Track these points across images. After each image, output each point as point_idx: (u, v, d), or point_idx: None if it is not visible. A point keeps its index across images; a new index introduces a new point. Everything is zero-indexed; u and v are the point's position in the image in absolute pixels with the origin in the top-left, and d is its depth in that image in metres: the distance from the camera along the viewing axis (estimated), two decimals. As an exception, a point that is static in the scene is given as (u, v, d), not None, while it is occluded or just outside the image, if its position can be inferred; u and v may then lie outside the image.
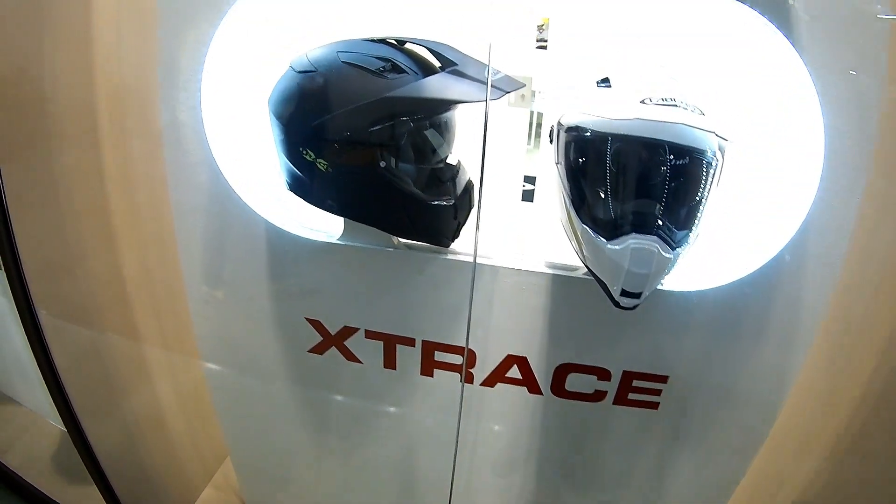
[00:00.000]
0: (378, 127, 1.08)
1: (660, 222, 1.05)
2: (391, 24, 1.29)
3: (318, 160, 1.11)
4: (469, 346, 1.37)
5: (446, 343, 1.38)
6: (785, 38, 1.10)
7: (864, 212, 1.17)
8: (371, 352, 1.43)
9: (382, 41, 1.16)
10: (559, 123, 1.15)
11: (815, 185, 1.15)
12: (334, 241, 1.31)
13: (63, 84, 1.47)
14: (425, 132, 1.15)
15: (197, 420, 2.11)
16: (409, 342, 1.40)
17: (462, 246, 1.29)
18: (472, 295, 1.27)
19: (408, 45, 1.17)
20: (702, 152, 1.03)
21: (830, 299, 1.25)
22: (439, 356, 1.41)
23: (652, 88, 1.05)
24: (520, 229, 1.43)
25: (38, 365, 1.52)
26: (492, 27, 1.23)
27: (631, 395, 1.37)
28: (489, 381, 1.42)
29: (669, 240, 1.04)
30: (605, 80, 1.13)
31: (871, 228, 1.22)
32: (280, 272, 1.41)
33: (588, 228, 1.09)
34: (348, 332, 1.41)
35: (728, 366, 1.32)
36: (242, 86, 1.32)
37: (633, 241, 1.04)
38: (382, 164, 1.11)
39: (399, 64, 1.10)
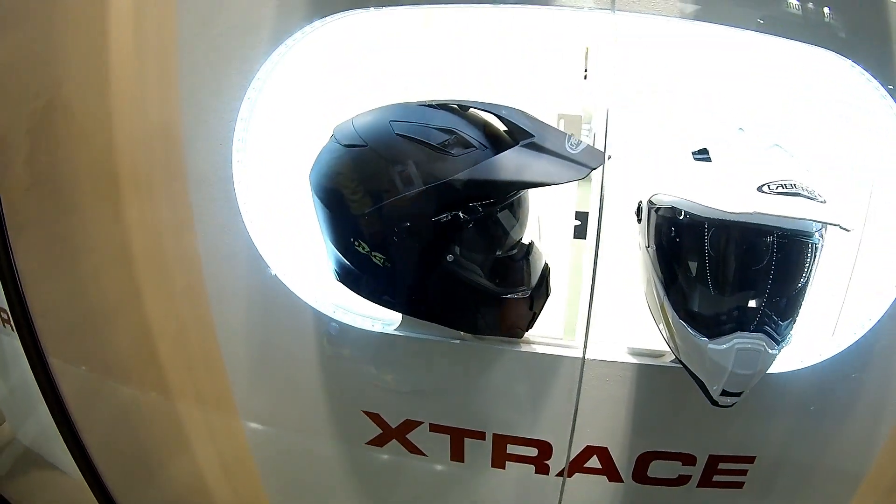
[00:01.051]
0: (445, 215, 0.91)
1: (766, 318, 0.92)
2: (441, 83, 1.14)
3: (374, 253, 0.95)
4: (543, 438, 1.22)
5: (522, 437, 1.22)
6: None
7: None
8: (437, 445, 1.27)
9: (442, 106, 0.99)
10: (651, 203, 0.99)
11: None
12: (391, 331, 1.15)
13: (80, 131, 1.33)
14: (497, 215, 0.98)
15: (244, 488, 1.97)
16: (479, 435, 1.23)
17: (535, 332, 1.13)
18: (578, 393, 1.11)
19: (472, 111, 1.00)
20: (808, 235, 0.91)
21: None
22: (512, 449, 1.24)
23: (766, 168, 0.86)
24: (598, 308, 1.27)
25: (64, 440, 1.40)
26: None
27: (716, 478, 1.23)
28: (567, 472, 1.26)
29: (775, 335, 0.92)
30: (704, 153, 0.95)
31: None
32: (332, 363, 1.25)
33: (685, 325, 0.95)
34: (411, 425, 1.24)
35: (815, 443, 1.24)
36: (280, 145, 1.20)
37: (738, 340, 0.91)
38: (450, 257, 0.94)
39: (464, 136, 0.93)
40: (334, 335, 1.20)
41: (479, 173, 0.89)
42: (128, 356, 1.49)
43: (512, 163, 0.90)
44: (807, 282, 0.93)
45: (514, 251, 1.03)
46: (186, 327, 1.48)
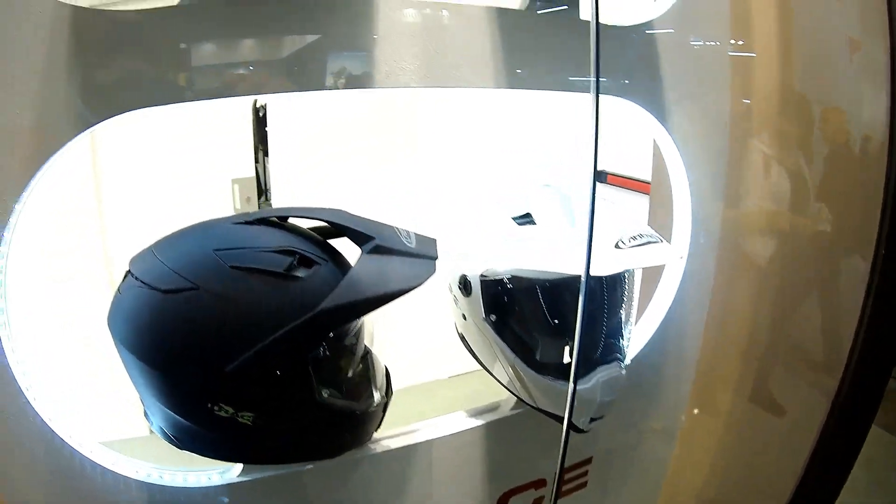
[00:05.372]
0: (318, 349, 0.82)
1: (614, 345, 1.06)
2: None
3: (241, 413, 0.80)
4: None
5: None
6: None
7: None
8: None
9: (261, 221, 0.88)
10: (484, 276, 1.02)
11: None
12: (234, 480, 0.98)
13: None
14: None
15: None
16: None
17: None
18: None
19: (291, 221, 0.90)
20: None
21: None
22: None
23: (612, 227, 0.97)
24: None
25: None
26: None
27: (565, 487, 1.35)
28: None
29: (622, 355, 1.07)
30: (526, 217, 1.02)
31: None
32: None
33: (543, 377, 1.04)
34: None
35: (630, 428, 1.48)
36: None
37: (600, 375, 1.02)
38: (325, 392, 0.85)
39: (304, 254, 0.83)
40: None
41: (344, 296, 0.80)
42: None
43: (370, 275, 0.83)
44: (633, 303, 1.09)
45: (363, 361, 0.97)
46: None
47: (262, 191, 2.24)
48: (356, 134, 2.49)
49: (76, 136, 0.88)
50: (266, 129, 2.11)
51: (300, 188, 2.47)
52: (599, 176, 2.82)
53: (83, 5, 0.86)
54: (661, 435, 1.62)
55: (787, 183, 1.62)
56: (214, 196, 2.34)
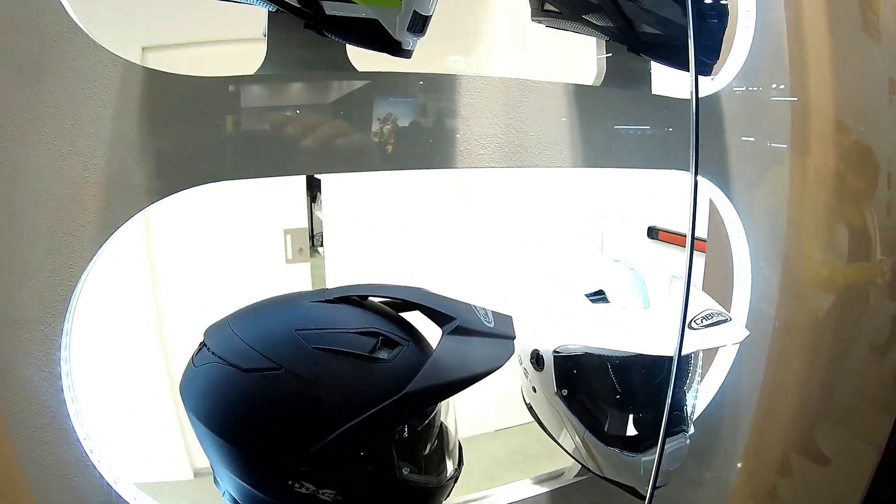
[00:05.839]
0: (400, 430, 0.83)
1: (680, 418, 1.08)
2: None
3: (322, 491, 0.81)
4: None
5: None
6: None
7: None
8: None
9: (342, 300, 0.89)
10: (557, 352, 1.04)
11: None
12: None
13: None
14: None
15: None
16: None
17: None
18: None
19: (370, 300, 0.92)
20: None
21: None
22: None
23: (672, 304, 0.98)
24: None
25: None
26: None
27: None
28: None
29: (688, 427, 1.08)
30: (600, 293, 1.03)
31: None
32: None
33: (615, 450, 1.04)
34: None
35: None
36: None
37: (667, 445, 1.03)
38: (405, 470, 0.86)
39: (387, 335, 0.85)
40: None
41: (429, 379, 0.81)
42: None
43: (453, 357, 0.84)
44: (697, 375, 1.10)
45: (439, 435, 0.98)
46: None
47: (314, 241, 2.29)
48: (407, 183, 2.52)
49: (145, 207, 0.90)
50: (318, 179, 2.14)
51: (352, 238, 2.51)
52: (650, 232, 2.81)
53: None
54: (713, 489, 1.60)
55: (846, 236, 1.61)
56: (266, 246, 2.40)
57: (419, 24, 0.85)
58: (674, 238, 2.79)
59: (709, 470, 1.55)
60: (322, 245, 2.47)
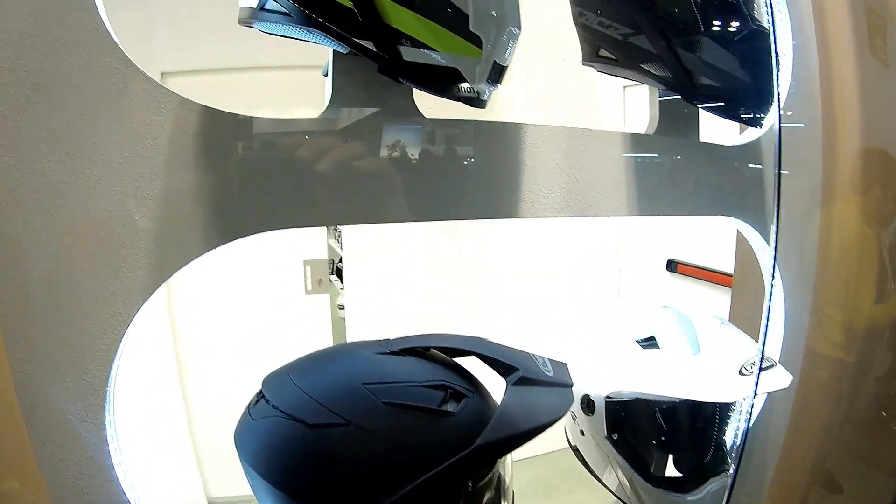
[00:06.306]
0: (468, 485, 0.83)
1: (725, 457, 1.09)
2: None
3: (389, 548, 0.81)
4: None
5: None
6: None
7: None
8: None
9: (407, 352, 0.89)
10: (610, 397, 1.05)
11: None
12: None
13: None
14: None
15: None
16: None
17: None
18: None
19: (433, 351, 0.92)
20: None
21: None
22: None
23: (733, 352, 0.99)
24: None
25: None
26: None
27: None
28: None
29: (728, 465, 1.08)
30: (650, 340, 1.04)
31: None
32: None
33: (664, 491, 1.07)
34: None
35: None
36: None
37: (711, 485, 1.06)
38: (473, 518, 0.86)
39: (454, 387, 0.85)
40: None
41: (498, 432, 0.81)
42: None
43: (519, 408, 0.84)
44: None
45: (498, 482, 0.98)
46: None
47: (335, 272, 2.29)
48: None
49: (198, 257, 0.87)
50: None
51: (372, 269, 2.50)
52: (669, 265, 2.83)
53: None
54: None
55: (874, 270, 1.63)
56: (286, 277, 2.38)
57: (497, 74, 0.86)
58: (693, 271, 2.80)
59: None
60: (339, 277, 2.46)
